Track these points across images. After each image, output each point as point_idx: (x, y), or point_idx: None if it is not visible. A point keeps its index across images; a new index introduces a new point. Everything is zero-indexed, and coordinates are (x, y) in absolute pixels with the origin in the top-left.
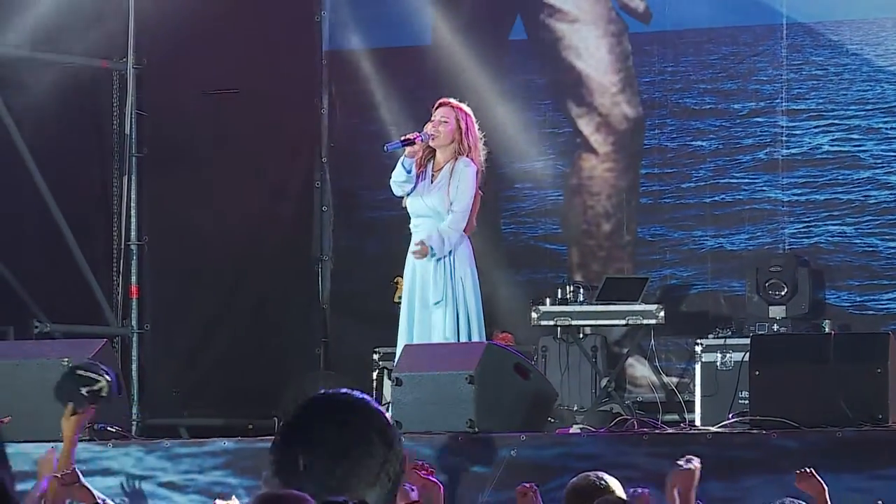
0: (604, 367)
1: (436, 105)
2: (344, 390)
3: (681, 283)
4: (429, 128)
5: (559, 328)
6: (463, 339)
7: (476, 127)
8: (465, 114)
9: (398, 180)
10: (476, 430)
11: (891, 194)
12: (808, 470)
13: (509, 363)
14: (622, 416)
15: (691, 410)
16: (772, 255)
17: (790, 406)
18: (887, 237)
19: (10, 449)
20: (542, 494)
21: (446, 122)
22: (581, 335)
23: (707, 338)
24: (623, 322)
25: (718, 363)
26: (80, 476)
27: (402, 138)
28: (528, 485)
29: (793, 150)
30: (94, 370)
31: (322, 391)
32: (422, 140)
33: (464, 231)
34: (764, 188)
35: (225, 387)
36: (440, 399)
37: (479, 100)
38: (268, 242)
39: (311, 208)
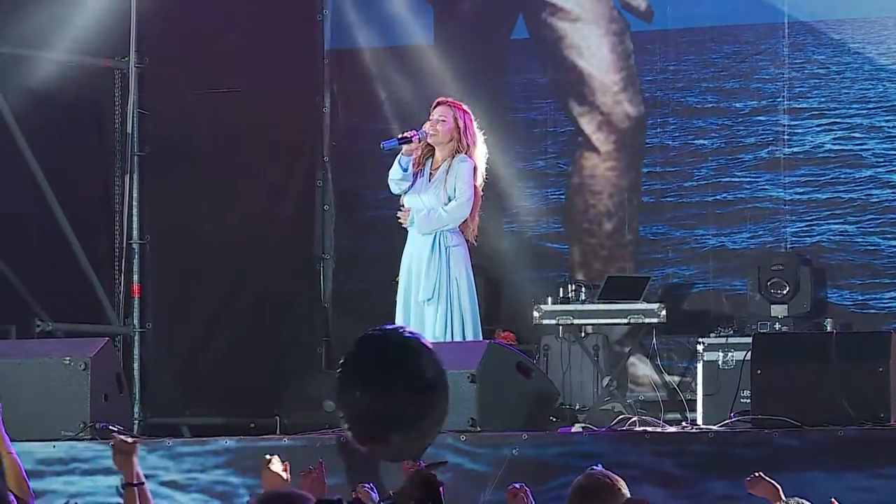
0: (605, 366)
1: (434, 104)
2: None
3: (682, 281)
4: (426, 126)
5: (561, 327)
6: (456, 338)
7: (475, 125)
8: (464, 112)
9: (395, 178)
10: (478, 428)
11: (893, 193)
12: (757, 474)
13: (511, 362)
14: (624, 415)
15: (693, 409)
16: (773, 253)
17: (792, 405)
18: (889, 236)
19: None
20: (543, 493)
21: (444, 120)
22: (583, 334)
23: (709, 337)
24: (625, 321)
25: (720, 362)
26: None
27: (400, 136)
28: (518, 485)
29: (794, 149)
30: None
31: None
32: (419, 138)
33: (462, 234)
34: (766, 187)
35: (227, 386)
36: None
37: (481, 99)
38: (269, 241)
39: (313, 207)
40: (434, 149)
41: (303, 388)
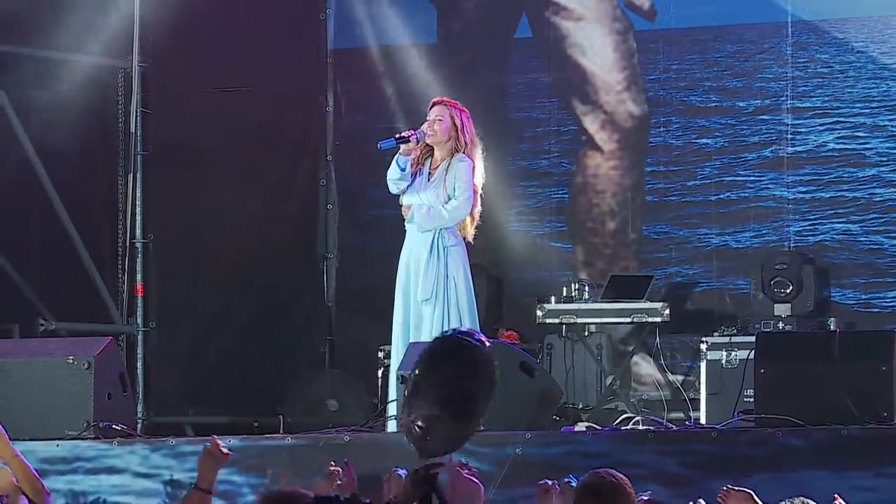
0: (609, 365)
1: (430, 104)
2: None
3: (686, 280)
4: (424, 126)
5: (564, 326)
6: None
7: (472, 124)
8: (461, 111)
9: (393, 178)
10: (481, 427)
11: None
12: (725, 488)
13: (514, 361)
14: (627, 414)
15: (696, 408)
16: (777, 252)
17: (795, 404)
18: (892, 235)
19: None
20: None
21: (441, 119)
22: (586, 333)
23: (712, 336)
24: (628, 320)
25: (724, 361)
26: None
27: (397, 136)
28: (549, 482)
29: (798, 148)
30: None
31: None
32: (416, 138)
33: (460, 234)
34: (769, 186)
35: (230, 385)
36: None
37: (485, 98)
38: (273, 240)
39: (316, 206)
40: (433, 148)
41: (307, 387)
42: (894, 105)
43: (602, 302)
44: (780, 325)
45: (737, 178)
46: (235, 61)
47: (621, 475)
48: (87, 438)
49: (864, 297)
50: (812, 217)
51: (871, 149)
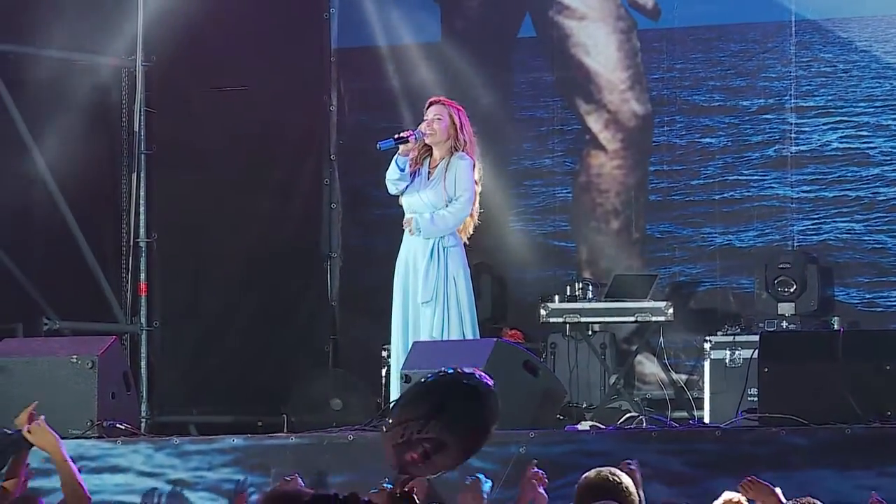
0: (613, 365)
1: (427, 104)
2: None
3: (689, 280)
4: (423, 126)
5: (568, 325)
6: (454, 337)
7: (469, 123)
8: (458, 109)
9: (392, 178)
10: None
11: None
12: (750, 479)
13: (518, 360)
14: (631, 413)
15: (700, 407)
16: (781, 252)
17: (799, 403)
18: None
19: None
20: (551, 492)
21: (440, 119)
22: (590, 332)
23: (716, 335)
24: (632, 319)
25: (727, 360)
26: None
27: (396, 136)
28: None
29: (801, 147)
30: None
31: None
32: (415, 138)
33: (459, 234)
34: (773, 185)
35: (234, 384)
36: None
37: (488, 97)
38: (276, 240)
39: (320, 206)
40: (431, 148)
41: (310, 387)
42: None
43: (606, 301)
44: (784, 324)
45: (740, 178)
46: (239, 60)
47: (623, 473)
48: (90, 437)
49: (867, 296)
50: (816, 216)
51: (875, 148)
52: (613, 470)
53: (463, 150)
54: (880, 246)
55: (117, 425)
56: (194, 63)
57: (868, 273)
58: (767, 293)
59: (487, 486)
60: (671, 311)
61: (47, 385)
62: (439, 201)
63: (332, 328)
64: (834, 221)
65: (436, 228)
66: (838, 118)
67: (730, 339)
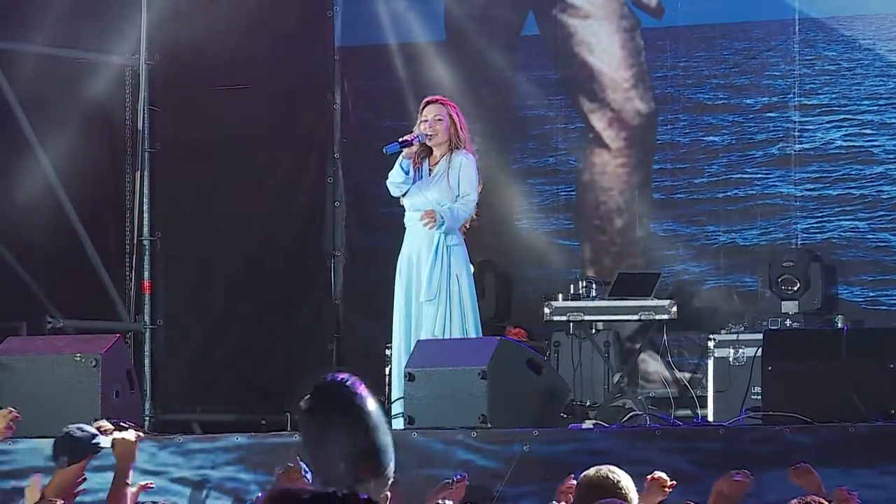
0: (616, 363)
1: (422, 104)
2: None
3: (693, 278)
4: (424, 128)
5: (572, 323)
6: (456, 335)
7: (464, 118)
8: (454, 107)
9: (396, 181)
10: (488, 425)
11: None
12: (803, 465)
13: (522, 358)
14: (635, 411)
15: (704, 406)
16: (784, 250)
17: (803, 401)
18: None
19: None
20: (553, 491)
21: (441, 119)
22: (594, 330)
23: (720, 333)
24: (635, 317)
25: (731, 358)
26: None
27: (401, 140)
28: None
29: (805, 146)
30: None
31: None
32: (419, 141)
33: (460, 231)
34: (776, 183)
35: (237, 382)
36: (453, 394)
37: (492, 96)
38: (280, 238)
39: (324, 204)
40: (430, 148)
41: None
42: None
43: (609, 299)
44: (788, 322)
45: (744, 176)
46: (242, 59)
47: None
48: None
49: (871, 294)
50: (819, 214)
51: (879, 146)
52: (612, 468)
53: (463, 148)
54: (884, 244)
55: (121, 423)
56: (198, 62)
57: (872, 271)
58: (771, 291)
59: None
60: (675, 309)
61: (51, 383)
62: (444, 199)
63: (335, 326)
64: (838, 219)
65: (456, 220)
66: (842, 116)
67: (733, 337)
